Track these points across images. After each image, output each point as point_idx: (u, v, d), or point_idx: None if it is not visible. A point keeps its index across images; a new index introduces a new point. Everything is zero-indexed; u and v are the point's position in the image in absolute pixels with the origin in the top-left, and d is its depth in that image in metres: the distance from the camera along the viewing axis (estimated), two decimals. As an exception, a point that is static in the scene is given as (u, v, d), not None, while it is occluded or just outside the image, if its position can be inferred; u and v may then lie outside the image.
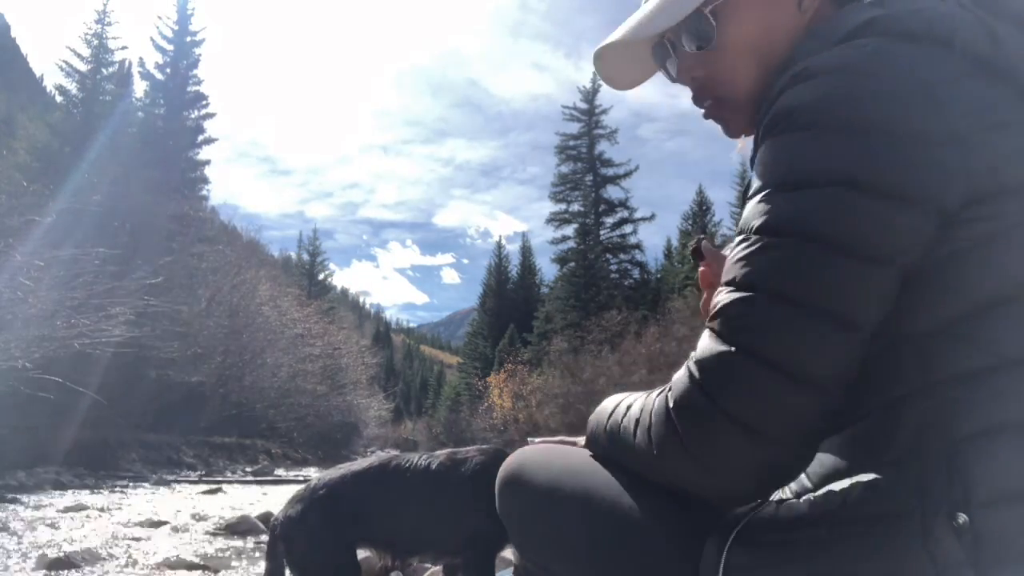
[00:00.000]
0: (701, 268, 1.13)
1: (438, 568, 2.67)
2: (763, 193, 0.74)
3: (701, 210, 33.89)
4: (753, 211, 0.74)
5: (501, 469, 1.07)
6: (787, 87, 0.76)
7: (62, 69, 23.13)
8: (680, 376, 0.74)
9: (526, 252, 45.79)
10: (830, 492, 0.73)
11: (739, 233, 0.76)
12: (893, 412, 0.71)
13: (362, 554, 2.99)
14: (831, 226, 0.68)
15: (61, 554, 3.59)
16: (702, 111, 1.02)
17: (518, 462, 1.04)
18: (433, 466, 2.23)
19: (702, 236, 1.22)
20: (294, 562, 2.20)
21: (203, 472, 13.06)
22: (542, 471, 1.00)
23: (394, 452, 2.45)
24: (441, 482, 2.21)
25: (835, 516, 0.70)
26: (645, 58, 1.05)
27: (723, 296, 0.73)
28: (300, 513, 2.17)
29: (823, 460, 0.79)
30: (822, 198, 0.69)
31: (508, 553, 2.37)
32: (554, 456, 1.03)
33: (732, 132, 1.01)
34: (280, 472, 13.81)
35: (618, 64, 1.05)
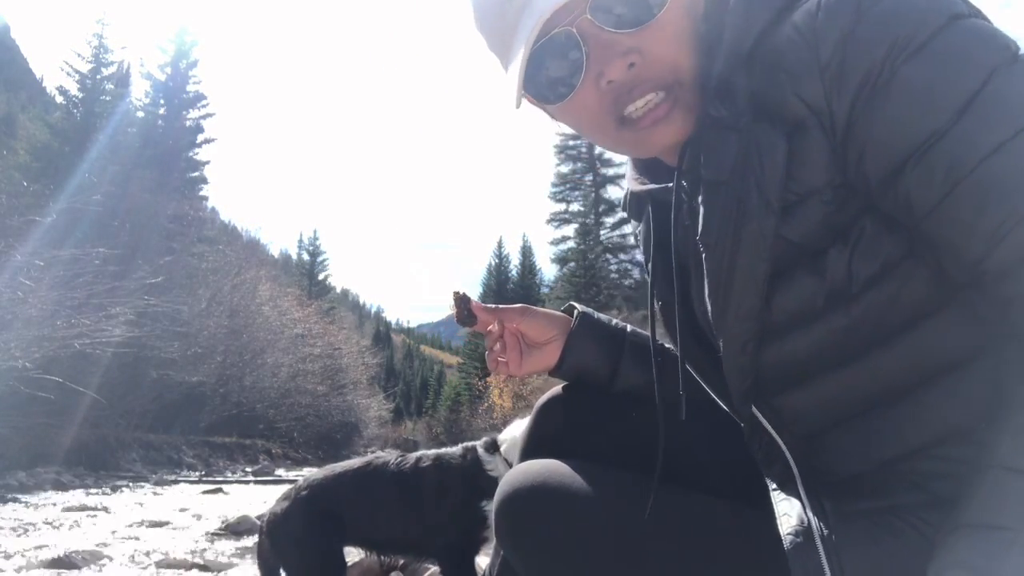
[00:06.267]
0: (489, 328, 1.05)
1: (437, 569, 2.67)
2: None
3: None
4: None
5: (502, 497, 0.95)
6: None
7: (62, 69, 23.16)
8: None
9: (526, 252, 45.79)
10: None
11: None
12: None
13: (361, 554, 2.99)
14: None
15: (61, 554, 3.58)
16: (621, 121, 0.81)
17: (522, 495, 0.94)
18: (404, 468, 2.25)
19: (461, 293, 1.08)
20: (281, 557, 2.26)
21: (203, 472, 13.05)
22: (555, 503, 0.92)
23: (378, 452, 2.48)
24: (409, 486, 2.24)
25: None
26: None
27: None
28: (284, 511, 2.24)
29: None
30: None
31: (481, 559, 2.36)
32: (563, 484, 0.93)
33: (674, 134, 0.81)
34: (280, 472, 13.79)
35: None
